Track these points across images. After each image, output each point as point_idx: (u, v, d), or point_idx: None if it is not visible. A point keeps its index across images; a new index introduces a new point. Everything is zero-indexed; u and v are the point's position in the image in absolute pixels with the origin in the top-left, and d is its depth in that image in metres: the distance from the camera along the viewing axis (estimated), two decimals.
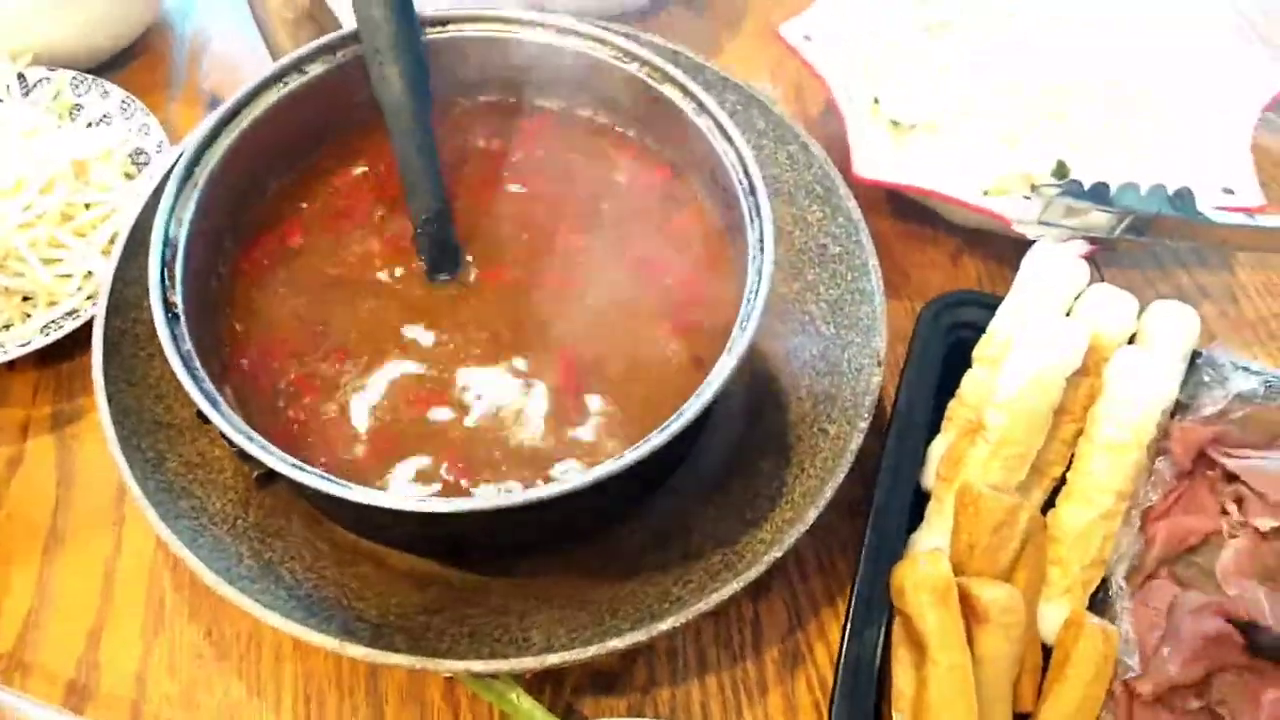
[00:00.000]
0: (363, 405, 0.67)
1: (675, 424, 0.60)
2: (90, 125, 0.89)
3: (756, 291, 0.64)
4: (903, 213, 0.93)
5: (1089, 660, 0.65)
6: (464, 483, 0.65)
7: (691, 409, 0.60)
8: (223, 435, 0.59)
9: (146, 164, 0.85)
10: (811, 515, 0.67)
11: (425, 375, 0.68)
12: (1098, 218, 0.79)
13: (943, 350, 0.79)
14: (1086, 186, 0.78)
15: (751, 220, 0.68)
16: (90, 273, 0.79)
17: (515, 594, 0.68)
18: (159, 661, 0.69)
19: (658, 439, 0.59)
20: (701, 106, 0.71)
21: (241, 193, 0.71)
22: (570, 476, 0.61)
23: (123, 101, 0.90)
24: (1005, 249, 0.91)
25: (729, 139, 0.70)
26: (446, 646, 0.64)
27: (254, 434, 0.59)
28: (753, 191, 0.68)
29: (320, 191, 0.75)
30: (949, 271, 0.91)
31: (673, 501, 0.73)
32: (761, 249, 0.66)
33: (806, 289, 0.81)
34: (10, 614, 0.70)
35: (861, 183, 0.81)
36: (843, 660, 0.66)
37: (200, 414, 0.60)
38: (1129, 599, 0.66)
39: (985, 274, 0.91)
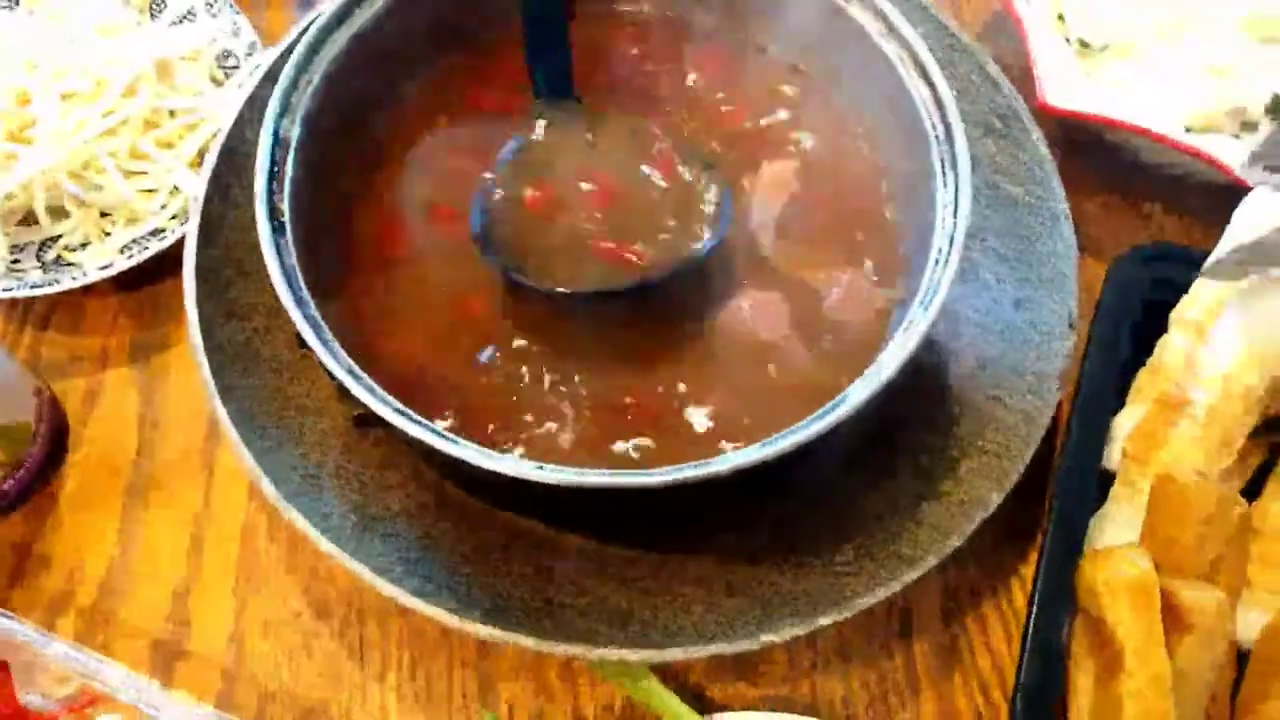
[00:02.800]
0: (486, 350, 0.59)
1: (851, 400, 0.52)
2: (173, 24, 0.80)
3: (945, 260, 0.55)
4: (1074, 149, 0.82)
5: None
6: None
7: (864, 389, 0.52)
8: (323, 367, 0.52)
9: (235, 69, 0.76)
10: (995, 499, 0.59)
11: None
12: None
13: (1137, 311, 0.69)
14: None
15: (944, 173, 0.58)
16: (176, 188, 0.71)
17: (637, 568, 0.61)
18: (254, 621, 0.63)
19: (829, 418, 0.51)
20: (891, 29, 0.61)
21: (361, 94, 0.63)
22: (724, 457, 0.52)
23: None
24: (1195, 197, 0.80)
25: (924, 72, 0.59)
26: (569, 621, 0.57)
27: (356, 369, 0.52)
28: (949, 138, 0.58)
29: (449, 102, 0.66)
30: (1130, 220, 0.80)
31: (811, 473, 0.65)
32: (955, 210, 0.56)
33: (970, 234, 0.70)
34: (91, 565, 0.64)
35: (1049, 112, 0.70)
36: (1024, 666, 0.58)
37: (300, 340, 0.53)
38: None
39: (1168, 225, 0.80)
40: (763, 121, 0.69)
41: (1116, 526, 0.63)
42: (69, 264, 0.70)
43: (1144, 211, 0.80)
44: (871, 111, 0.66)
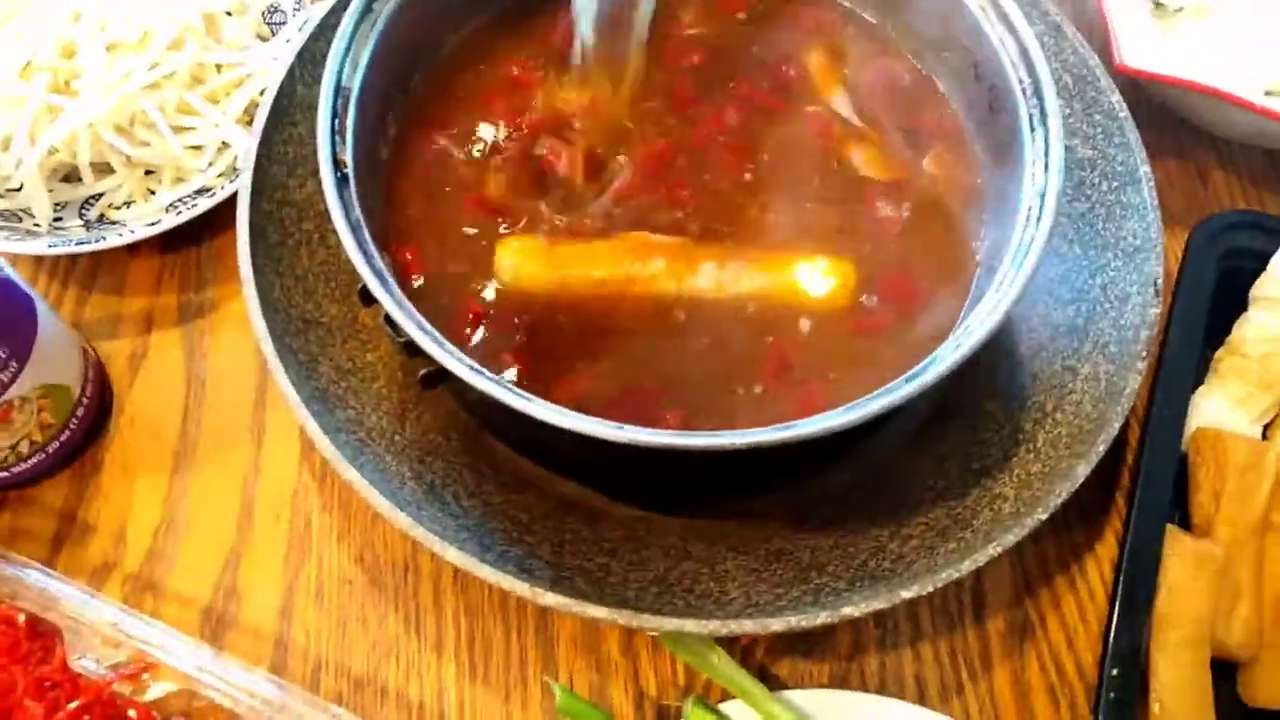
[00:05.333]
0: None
1: (928, 373, 0.49)
2: None
3: (1038, 219, 0.53)
4: (1133, 115, 0.79)
5: None
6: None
7: (950, 358, 0.50)
8: (388, 323, 0.50)
9: (282, 25, 0.74)
10: (1081, 471, 0.56)
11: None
12: None
13: (1214, 283, 0.66)
14: None
15: (1033, 129, 0.56)
16: (225, 144, 0.69)
17: (696, 537, 0.59)
18: (305, 590, 0.61)
19: (906, 389, 0.49)
20: None
21: (416, 43, 0.61)
22: (807, 420, 0.50)
23: None
24: (1266, 164, 0.77)
25: (1009, 25, 0.57)
26: (634, 594, 0.55)
27: (426, 324, 0.50)
28: (1037, 93, 0.56)
29: (504, 48, 0.64)
30: (1195, 189, 0.77)
31: (874, 442, 0.63)
32: (1046, 166, 0.54)
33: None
34: (137, 532, 0.62)
35: (1125, 74, 0.68)
36: (1110, 647, 0.56)
37: (364, 295, 0.50)
38: None
39: (1236, 194, 0.77)
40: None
41: None
42: (112, 222, 0.68)
43: (1209, 180, 0.78)
44: (952, 64, 0.64)
